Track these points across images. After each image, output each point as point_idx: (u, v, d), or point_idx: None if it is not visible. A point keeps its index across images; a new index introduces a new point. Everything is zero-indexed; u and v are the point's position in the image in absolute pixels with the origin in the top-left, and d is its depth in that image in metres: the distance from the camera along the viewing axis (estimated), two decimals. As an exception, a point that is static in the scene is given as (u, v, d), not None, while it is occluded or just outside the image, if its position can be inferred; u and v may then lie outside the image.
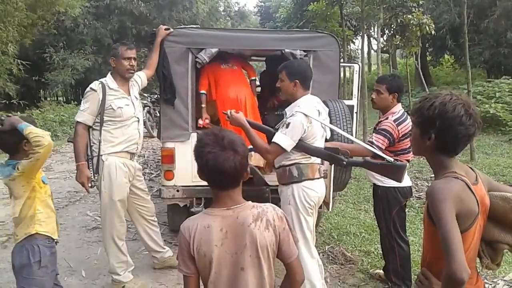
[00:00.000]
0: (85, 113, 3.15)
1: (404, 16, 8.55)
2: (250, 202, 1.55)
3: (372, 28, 17.04)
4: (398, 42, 9.87)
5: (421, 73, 11.90)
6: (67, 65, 14.26)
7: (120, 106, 3.20)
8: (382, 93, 3.15)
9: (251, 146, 2.62)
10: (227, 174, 1.45)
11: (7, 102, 11.80)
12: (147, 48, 11.20)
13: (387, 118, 3.11)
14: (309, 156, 2.74)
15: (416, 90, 15.89)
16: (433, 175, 1.65)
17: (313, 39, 3.73)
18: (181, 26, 3.91)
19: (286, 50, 3.62)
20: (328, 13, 11.82)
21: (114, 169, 3.18)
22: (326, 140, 2.88)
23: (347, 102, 3.82)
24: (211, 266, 1.46)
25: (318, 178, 2.80)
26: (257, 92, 5.62)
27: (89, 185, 3.19)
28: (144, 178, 4.52)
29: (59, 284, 2.59)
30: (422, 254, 1.68)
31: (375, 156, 2.78)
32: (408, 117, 3.10)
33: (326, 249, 4.10)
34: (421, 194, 5.76)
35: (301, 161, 2.73)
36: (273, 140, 2.63)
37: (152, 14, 16.54)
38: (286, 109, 2.79)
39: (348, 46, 15.23)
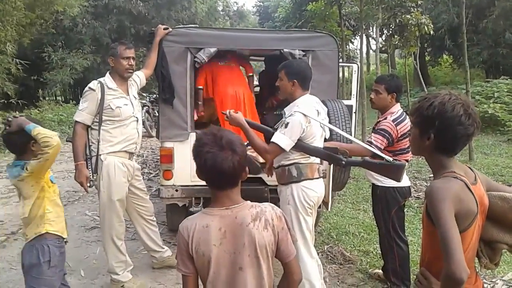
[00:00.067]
0: (83, 112, 3.15)
1: (403, 16, 8.55)
2: (248, 201, 1.55)
3: (370, 28, 17.05)
4: (396, 42, 9.88)
5: (419, 73, 11.92)
6: (66, 65, 14.23)
7: (118, 106, 3.20)
8: (380, 93, 3.16)
9: (247, 142, 2.62)
10: (225, 174, 1.45)
11: (5, 101, 11.76)
12: (145, 48, 11.21)
13: (385, 118, 3.11)
14: (308, 156, 2.74)
15: (414, 90, 15.92)
16: (432, 175, 1.65)
17: (312, 39, 3.74)
18: (180, 26, 3.91)
19: (285, 49, 3.63)
20: (327, 13, 11.81)
21: (113, 168, 3.18)
22: (325, 140, 2.88)
23: (346, 102, 3.82)
24: (210, 266, 1.46)
25: (317, 178, 2.80)
26: (256, 92, 5.63)
27: (88, 184, 3.18)
28: (143, 177, 4.53)
29: (66, 284, 2.59)
30: (421, 254, 1.68)
31: (374, 156, 2.79)
32: (407, 117, 3.11)
33: (325, 248, 4.10)
34: (420, 194, 5.77)
35: (300, 161, 2.73)
36: (272, 140, 2.63)
37: (151, 13, 16.53)
38: (285, 109, 2.79)
39: (347, 46, 15.24)
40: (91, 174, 3.21)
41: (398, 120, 3.05)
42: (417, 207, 5.29)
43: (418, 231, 4.39)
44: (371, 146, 2.87)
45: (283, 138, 2.60)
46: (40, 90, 17.61)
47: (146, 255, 3.80)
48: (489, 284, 3.35)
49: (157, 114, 8.33)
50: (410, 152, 3.07)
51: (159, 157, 3.98)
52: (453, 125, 1.46)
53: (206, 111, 4.42)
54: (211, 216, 1.50)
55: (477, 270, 1.64)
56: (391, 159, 2.64)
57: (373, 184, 3.27)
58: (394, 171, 2.62)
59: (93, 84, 3.19)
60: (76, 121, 3.17)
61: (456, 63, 19.41)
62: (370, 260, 3.84)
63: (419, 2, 9.04)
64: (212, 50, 3.59)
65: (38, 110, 12.73)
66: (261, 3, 33.12)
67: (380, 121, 3.18)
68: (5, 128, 2.25)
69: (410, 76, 14.03)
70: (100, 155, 3.17)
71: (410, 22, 8.43)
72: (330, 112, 3.14)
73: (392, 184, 3.01)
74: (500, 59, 15.44)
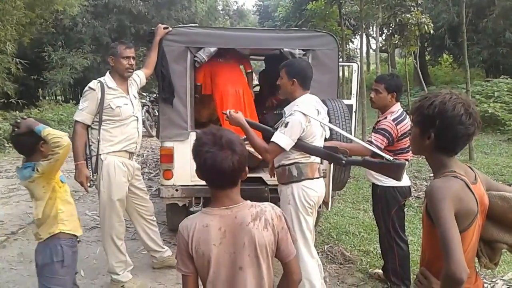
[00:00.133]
0: (83, 112, 3.14)
1: (403, 15, 8.54)
2: (248, 201, 1.55)
3: (370, 27, 17.06)
4: (396, 42, 9.87)
5: (419, 73, 11.90)
6: (66, 64, 14.21)
7: (118, 105, 3.19)
8: (380, 93, 3.15)
9: (244, 137, 2.62)
10: (225, 174, 1.44)
11: (5, 101, 11.76)
12: (145, 47, 11.21)
13: (386, 118, 3.11)
14: (308, 155, 2.73)
15: (414, 90, 15.91)
16: (432, 175, 1.65)
17: (312, 38, 3.73)
18: (180, 25, 3.91)
19: (285, 49, 3.62)
20: (327, 12, 11.80)
21: (113, 168, 3.18)
22: (326, 140, 2.88)
23: (346, 102, 3.82)
24: (210, 266, 1.46)
25: (318, 178, 2.80)
26: (256, 92, 5.64)
27: (88, 184, 3.18)
28: (143, 177, 4.53)
29: (76, 284, 2.60)
30: (421, 254, 1.68)
31: (374, 155, 2.78)
32: (407, 116, 3.10)
33: (325, 248, 4.10)
34: (420, 193, 5.76)
35: (301, 160, 2.73)
36: (272, 139, 2.63)
37: (151, 13, 16.52)
38: (285, 108, 2.79)
39: (347, 45, 15.23)
40: (91, 173, 3.20)
41: (398, 120, 3.05)
42: (417, 206, 5.28)
43: (418, 231, 4.38)
44: (371, 146, 2.87)
45: (283, 138, 2.60)
46: (40, 89, 17.59)
47: (146, 255, 3.79)
48: (489, 283, 3.35)
49: (157, 114, 8.34)
50: (410, 152, 3.07)
51: (159, 157, 3.97)
52: (454, 124, 1.46)
53: (205, 110, 4.43)
54: (211, 215, 1.49)
55: (477, 270, 1.64)
56: (391, 158, 2.64)
57: (373, 183, 3.27)
58: (394, 170, 2.62)
59: (93, 83, 3.19)
60: (76, 121, 3.17)
61: (456, 62, 19.41)
62: (370, 260, 3.84)
63: (419, 1, 9.03)
64: (212, 49, 3.59)
65: (38, 109, 12.71)
66: (261, 3, 33.08)
67: (380, 120, 3.18)
68: (14, 129, 2.25)
69: (410, 76, 14.01)
70: (100, 154, 3.17)
71: (410, 21, 8.42)
72: (330, 112, 3.14)
73: (392, 183, 3.01)
74: (500, 58, 15.44)
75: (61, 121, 12.15)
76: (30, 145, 2.27)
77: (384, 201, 3.18)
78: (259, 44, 3.78)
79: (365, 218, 4.96)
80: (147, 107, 11.15)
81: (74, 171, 3.16)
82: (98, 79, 3.25)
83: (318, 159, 2.82)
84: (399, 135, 3.03)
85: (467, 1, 9.03)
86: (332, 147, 2.70)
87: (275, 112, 4.57)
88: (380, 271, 3.48)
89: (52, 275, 2.32)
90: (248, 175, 1.57)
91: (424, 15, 8.76)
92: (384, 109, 3.19)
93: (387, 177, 2.91)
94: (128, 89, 3.35)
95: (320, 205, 2.98)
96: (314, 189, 2.75)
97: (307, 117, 2.61)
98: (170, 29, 3.60)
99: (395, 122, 3.03)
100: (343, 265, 3.79)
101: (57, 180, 2.35)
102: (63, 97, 18.95)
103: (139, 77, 3.51)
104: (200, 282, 1.54)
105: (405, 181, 3.11)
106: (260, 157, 2.99)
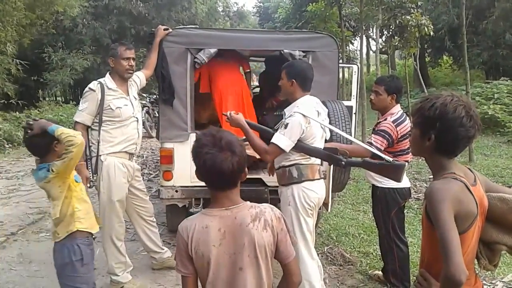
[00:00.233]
0: (83, 113, 3.15)
1: (403, 17, 8.56)
2: (248, 202, 1.55)
3: (371, 29, 17.08)
4: (396, 43, 9.88)
5: (419, 74, 11.91)
6: (66, 65, 14.21)
7: (118, 106, 3.20)
8: (380, 94, 3.16)
9: (244, 137, 2.63)
10: (224, 175, 1.44)
11: (5, 102, 11.76)
12: (146, 48, 11.20)
13: (385, 119, 3.11)
14: (308, 156, 2.74)
15: (414, 91, 15.92)
16: (431, 177, 1.65)
17: (312, 40, 3.74)
18: (180, 26, 3.92)
19: (285, 50, 3.63)
20: (327, 13, 11.81)
21: (113, 169, 3.18)
22: (326, 141, 2.88)
23: (346, 103, 3.82)
24: (209, 267, 1.46)
25: (318, 179, 2.80)
26: (256, 93, 5.64)
27: (88, 185, 3.17)
28: (143, 178, 4.52)
29: (94, 282, 2.60)
30: (421, 255, 1.68)
31: (374, 156, 2.78)
32: (407, 118, 3.11)
33: (325, 250, 4.09)
34: (420, 195, 5.76)
35: (301, 161, 2.73)
36: (272, 140, 2.63)
37: (151, 14, 16.52)
38: (285, 110, 2.79)
39: (347, 47, 15.22)
40: (91, 174, 3.21)
41: (398, 121, 3.05)
42: (417, 208, 5.28)
43: (418, 232, 4.38)
44: (371, 147, 2.87)
45: (282, 139, 2.60)
46: (40, 90, 17.59)
47: (146, 256, 3.79)
48: (489, 285, 3.34)
49: (157, 115, 8.33)
50: (410, 153, 3.06)
51: (159, 158, 3.97)
52: (455, 126, 1.46)
53: (205, 111, 4.43)
54: (210, 216, 1.49)
55: (477, 272, 1.64)
56: (391, 159, 2.64)
57: (373, 185, 3.27)
58: (394, 171, 2.62)
59: (93, 84, 3.19)
60: (76, 122, 3.17)
61: (456, 64, 19.43)
62: (370, 261, 3.84)
63: (419, 3, 9.06)
64: (212, 50, 3.60)
65: (38, 110, 12.72)
66: (261, 4, 33.13)
67: (380, 122, 3.18)
68: (27, 132, 2.27)
69: (410, 77, 14.02)
70: (100, 155, 3.17)
71: (410, 23, 8.43)
72: (330, 113, 3.14)
73: (392, 185, 3.01)
74: (500, 60, 15.45)
75: (61, 122, 12.12)
76: (44, 146, 2.29)
77: (384, 203, 3.18)
78: (259, 45, 3.78)
79: (365, 219, 4.96)
80: (147, 108, 11.16)
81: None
82: (98, 80, 3.25)
83: (318, 161, 2.82)
84: (399, 136, 3.03)
85: (467, 3, 9.05)
86: (331, 149, 2.70)
87: (275, 113, 4.57)
88: (380, 272, 3.47)
89: (74, 274, 2.35)
90: (248, 176, 1.57)
91: (424, 17, 8.77)
92: (384, 110, 3.19)
93: (387, 179, 2.91)
94: (128, 90, 3.35)
95: (320, 206, 2.98)
96: (315, 190, 2.75)
97: (306, 118, 2.62)
98: (170, 30, 3.60)
99: (395, 124, 3.04)
100: (343, 267, 3.79)
101: (72, 179, 2.37)
102: (63, 98, 18.97)
103: (139, 78, 3.51)
104: (199, 283, 1.54)
105: (405, 182, 3.11)
106: (257, 156, 3.00)
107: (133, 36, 16.13)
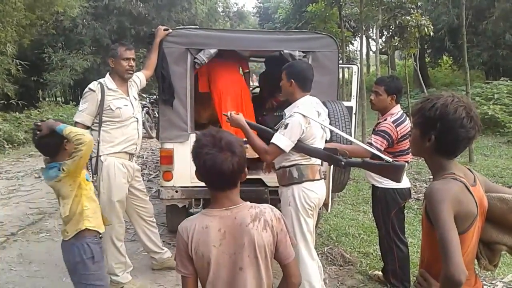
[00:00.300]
0: (83, 113, 3.15)
1: (403, 17, 8.55)
2: (248, 202, 1.55)
3: (370, 29, 17.08)
4: (396, 44, 9.88)
5: (419, 75, 11.91)
6: (66, 66, 14.20)
7: (118, 107, 3.20)
8: (380, 95, 3.16)
9: (245, 139, 2.63)
10: (224, 176, 1.45)
11: (5, 102, 11.77)
12: (146, 49, 11.19)
13: (385, 120, 3.11)
14: (309, 157, 2.74)
15: (414, 92, 15.92)
16: (431, 177, 1.65)
17: (312, 40, 3.74)
18: (180, 27, 3.92)
19: (285, 51, 3.63)
20: (327, 14, 11.82)
21: (113, 169, 3.18)
22: (326, 141, 2.88)
23: (346, 103, 3.83)
24: (209, 267, 1.46)
25: (319, 180, 2.80)
26: (256, 93, 5.64)
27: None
28: (143, 179, 4.52)
29: None
30: (421, 256, 1.68)
31: (374, 157, 2.78)
32: (407, 118, 3.11)
33: (325, 250, 4.09)
34: (420, 195, 5.76)
35: (301, 162, 2.73)
36: (272, 141, 2.63)
37: (151, 14, 16.52)
38: (285, 110, 2.79)
39: (347, 47, 15.22)
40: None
41: (398, 122, 3.06)
42: (417, 208, 5.28)
43: (418, 233, 4.38)
44: (371, 147, 2.87)
45: (282, 139, 2.60)
46: (40, 91, 17.58)
47: (146, 256, 3.79)
48: (489, 286, 3.34)
49: (157, 115, 8.33)
50: (410, 154, 3.07)
51: (159, 158, 3.97)
52: (455, 127, 1.46)
53: (205, 112, 4.43)
54: (210, 217, 1.50)
55: (477, 272, 1.64)
56: (390, 159, 2.64)
57: (373, 185, 3.27)
58: (393, 172, 2.62)
59: (93, 85, 3.19)
60: (76, 122, 3.17)
61: (456, 64, 19.44)
62: (370, 261, 3.84)
63: (419, 4, 9.06)
64: (212, 51, 3.60)
65: (38, 111, 12.73)
66: (261, 4, 33.15)
67: (380, 122, 3.18)
68: (35, 133, 2.28)
69: (410, 78, 14.02)
70: (100, 156, 3.17)
71: (410, 23, 8.43)
72: (330, 114, 3.15)
73: (392, 185, 3.01)
74: (500, 60, 15.46)
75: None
76: (54, 146, 2.30)
77: (384, 203, 3.18)
78: (259, 46, 3.78)
79: (365, 220, 4.96)
80: (147, 108, 11.16)
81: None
82: (98, 80, 3.25)
83: (318, 161, 2.83)
84: (399, 137, 3.04)
85: (467, 3, 9.05)
86: (331, 149, 2.71)
87: (275, 113, 4.57)
88: (380, 273, 3.48)
89: (86, 272, 2.36)
90: (248, 177, 1.57)
91: (424, 17, 8.77)
92: (384, 111, 3.20)
93: (386, 179, 2.91)
94: (128, 90, 3.35)
95: (320, 207, 2.98)
96: (315, 191, 2.75)
97: (306, 119, 2.62)
98: (170, 30, 3.60)
99: (395, 124, 3.04)
100: (342, 267, 3.79)
101: (82, 177, 2.38)
102: (63, 99, 18.98)
103: (139, 78, 3.51)
104: (199, 284, 1.54)
105: (405, 183, 3.11)
106: (255, 156, 3.00)
107: (133, 37, 16.13)
